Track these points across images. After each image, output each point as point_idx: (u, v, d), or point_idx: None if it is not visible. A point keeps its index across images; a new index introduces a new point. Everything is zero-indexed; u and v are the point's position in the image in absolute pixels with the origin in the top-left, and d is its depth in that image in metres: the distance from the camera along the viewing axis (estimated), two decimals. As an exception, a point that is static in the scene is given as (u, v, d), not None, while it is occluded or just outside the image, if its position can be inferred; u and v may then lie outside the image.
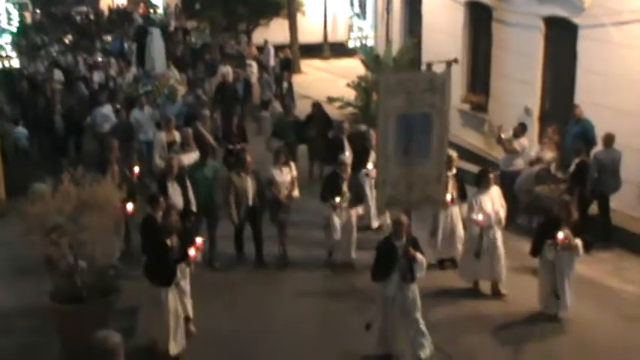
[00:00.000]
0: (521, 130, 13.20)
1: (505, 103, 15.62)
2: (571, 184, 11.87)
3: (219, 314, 9.71)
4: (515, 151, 13.02)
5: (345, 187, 11.07)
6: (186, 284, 9.05)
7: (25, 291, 10.06)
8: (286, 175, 11.40)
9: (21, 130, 16.64)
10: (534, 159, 12.95)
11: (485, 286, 10.30)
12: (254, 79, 22.28)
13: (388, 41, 21.42)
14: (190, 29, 31.55)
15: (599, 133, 12.12)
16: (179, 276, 8.65)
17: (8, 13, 20.32)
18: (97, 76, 22.24)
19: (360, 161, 12.48)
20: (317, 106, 15.79)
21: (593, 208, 11.95)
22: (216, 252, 11.33)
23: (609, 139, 11.73)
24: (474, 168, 13.93)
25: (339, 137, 13.72)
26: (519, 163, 13.00)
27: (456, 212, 10.92)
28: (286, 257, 11.37)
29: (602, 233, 11.69)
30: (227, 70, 20.85)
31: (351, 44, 29.43)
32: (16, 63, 21.77)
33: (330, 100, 19.54)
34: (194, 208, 10.87)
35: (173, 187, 10.72)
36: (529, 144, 13.33)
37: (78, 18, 45.03)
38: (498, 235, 10.09)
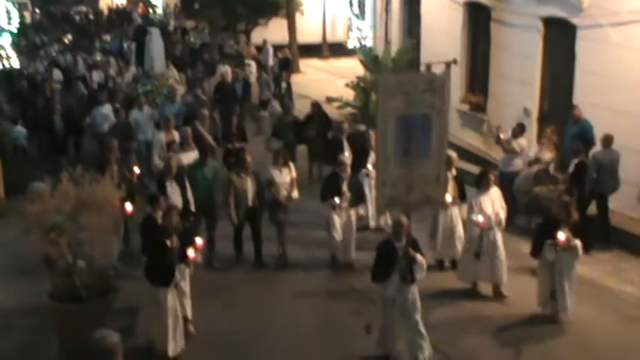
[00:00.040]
0: (519, 130, 13.21)
1: (504, 104, 15.63)
2: (570, 184, 11.88)
3: (218, 314, 9.70)
4: (514, 151, 13.03)
5: (344, 188, 11.07)
6: (186, 285, 9.05)
7: (25, 290, 10.05)
8: (285, 176, 11.40)
9: (20, 130, 16.64)
10: (533, 159, 12.96)
11: (484, 288, 10.29)
12: (253, 78, 22.30)
13: (387, 42, 21.43)
14: (189, 29, 31.57)
15: (598, 134, 12.13)
16: (178, 277, 8.64)
17: (8, 13, 20.33)
18: (97, 76, 22.23)
19: (359, 161, 12.48)
20: (316, 106, 15.79)
21: (592, 209, 11.96)
22: (215, 252, 11.32)
23: (608, 140, 11.74)
24: (473, 168, 13.96)
25: (338, 138, 13.72)
26: (518, 164, 13.01)
27: (456, 213, 10.91)
28: (286, 258, 11.37)
29: (601, 234, 11.70)
30: (226, 70, 20.88)
31: (350, 44, 29.49)
32: (15, 63, 21.78)
33: (329, 100, 19.55)
34: (193, 207, 10.87)
35: (172, 186, 10.72)
36: (528, 144, 13.34)
37: (77, 18, 45.01)
38: (499, 236, 10.07)
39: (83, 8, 47.83)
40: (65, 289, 8.81)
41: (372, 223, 12.42)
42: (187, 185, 10.95)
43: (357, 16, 29.79)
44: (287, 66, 23.98)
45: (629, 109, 12.12)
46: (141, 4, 44.66)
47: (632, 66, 12.16)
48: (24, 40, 31.88)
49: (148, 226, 9.34)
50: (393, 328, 8.36)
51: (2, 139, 15.08)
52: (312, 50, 29.60)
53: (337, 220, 11.01)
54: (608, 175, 11.75)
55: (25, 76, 22.94)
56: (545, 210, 12.01)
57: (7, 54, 22.76)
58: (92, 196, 8.71)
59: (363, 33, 28.62)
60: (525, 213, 12.52)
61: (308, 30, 29.56)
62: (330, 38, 30.63)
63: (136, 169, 11.78)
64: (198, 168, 11.45)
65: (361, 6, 29.70)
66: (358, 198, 11.38)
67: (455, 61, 8.14)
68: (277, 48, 25.61)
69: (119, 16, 43.05)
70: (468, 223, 10.32)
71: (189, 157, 12.10)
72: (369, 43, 25.28)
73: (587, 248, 9.39)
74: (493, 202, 10.05)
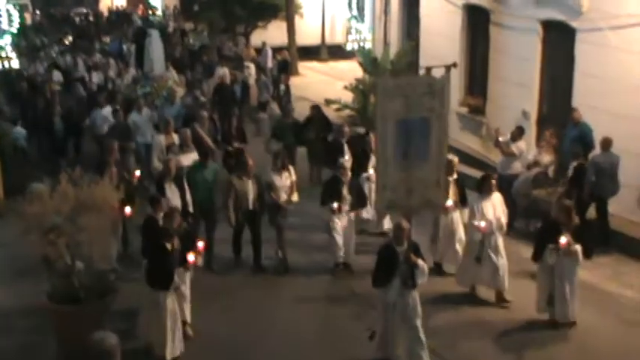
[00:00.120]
0: (518, 133, 13.21)
1: (503, 107, 15.64)
2: (569, 187, 11.87)
3: (216, 318, 9.68)
4: (513, 154, 13.04)
5: (345, 191, 11.02)
6: (186, 289, 9.04)
7: (24, 291, 10.05)
8: (285, 180, 11.36)
9: (19, 131, 16.63)
10: (532, 162, 12.96)
11: (484, 292, 10.27)
12: (252, 80, 22.31)
13: (386, 44, 21.43)
14: (188, 31, 31.58)
15: (597, 137, 12.13)
16: (177, 281, 8.60)
17: (9, 15, 20.34)
18: (96, 77, 22.23)
19: (360, 165, 12.45)
20: (316, 108, 15.78)
21: (591, 213, 11.95)
22: (214, 255, 11.29)
23: (607, 143, 11.74)
24: (471, 171, 13.97)
25: (338, 141, 13.66)
26: (517, 167, 13.01)
27: (457, 217, 10.86)
28: (286, 262, 11.31)
29: (600, 237, 11.67)
30: (224, 72, 20.89)
31: (348, 47, 29.49)
32: (15, 64, 21.81)
33: (328, 102, 19.56)
34: (191, 209, 10.86)
35: (171, 188, 10.71)
36: (527, 147, 13.35)
37: (77, 19, 45.01)
38: (500, 241, 10.04)
39: (83, 10, 47.84)
40: (64, 290, 8.81)
41: (386, 227, 12.08)
42: (186, 187, 10.96)
43: (356, 18, 29.81)
44: (286, 68, 24.00)
45: (628, 113, 12.13)
46: (140, 6, 44.67)
47: (631, 69, 12.17)
48: (24, 41, 31.88)
49: (149, 227, 9.33)
50: (394, 332, 8.33)
51: (2, 139, 15.08)
52: (311, 52, 29.62)
53: (338, 223, 10.97)
54: (607, 178, 11.74)
55: (25, 77, 22.95)
56: (544, 213, 12.00)
57: (7, 55, 22.77)
58: (91, 197, 8.72)
59: (361, 35, 28.63)
60: (524, 216, 12.52)
61: (307, 32, 29.58)
62: (329, 40, 30.64)
63: (137, 172, 11.79)
64: (199, 170, 11.42)
65: (360, 8, 29.72)
66: (360, 201, 11.33)
67: (455, 65, 8.11)
68: (276, 50, 25.62)
69: (119, 17, 43.06)
70: (469, 228, 10.29)
71: (189, 158, 12.09)
72: (367, 45, 25.28)
73: (587, 253, 9.32)
74: (495, 207, 10.02)
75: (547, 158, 12.94)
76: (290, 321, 9.75)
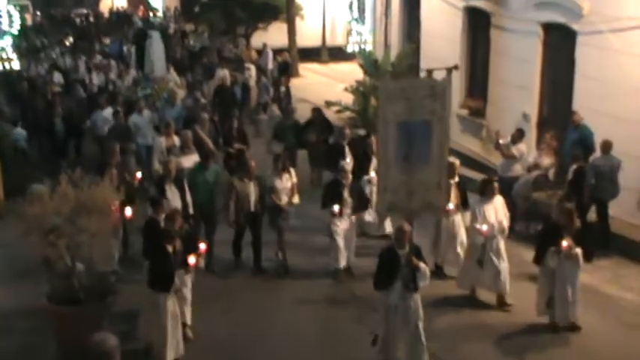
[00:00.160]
0: (519, 135, 13.22)
1: (503, 109, 15.64)
2: (569, 190, 11.87)
3: (216, 319, 9.66)
4: (513, 156, 13.04)
5: (346, 194, 10.97)
6: (187, 291, 9.03)
7: (24, 292, 10.04)
8: (286, 182, 11.35)
9: (20, 132, 16.64)
10: (532, 165, 12.97)
11: (483, 294, 10.25)
12: (252, 82, 22.31)
13: (386, 46, 21.45)
14: (188, 32, 31.59)
15: (597, 140, 12.12)
16: (178, 283, 8.56)
17: (10, 16, 20.36)
18: (97, 79, 22.23)
19: (361, 167, 12.42)
20: (317, 111, 15.78)
21: (592, 215, 11.94)
22: (214, 257, 11.27)
23: (607, 146, 11.74)
24: (472, 174, 13.98)
25: (340, 143, 13.63)
26: (517, 169, 13.01)
27: (458, 220, 10.84)
28: (286, 265, 11.29)
29: (601, 240, 11.66)
30: (224, 74, 20.89)
31: (349, 48, 29.48)
32: (16, 65, 21.83)
33: (328, 104, 19.57)
34: (191, 210, 10.85)
35: (171, 190, 10.71)
36: (527, 150, 13.35)
37: (78, 20, 45.01)
38: (502, 244, 10.02)
39: (84, 11, 47.81)
40: (64, 292, 8.81)
41: (387, 230, 12.02)
42: (186, 188, 10.95)
43: (356, 20, 29.80)
44: (286, 70, 24.01)
45: (628, 116, 12.13)
46: (141, 7, 44.66)
47: (631, 72, 12.17)
48: (25, 42, 31.88)
49: (150, 229, 9.32)
50: (395, 335, 8.30)
51: (2, 140, 15.07)
52: (311, 54, 29.65)
53: (340, 226, 10.91)
54: (607, 181, 11.74)
55: (26, 78, 22.95)
56: (544, 216, 12.01)
57: (8, 56, 22.79)
58: (91, 198, 8.72)
59: (362, 37, 28.63)
60: (524, 219, 12.52)
61: (308, 34, 29.61)
62: (329, 42, 30.67)
63: (138, 174, 11.79)
64: (200, 172, 11.40)
65: (361, 10, 29.72)
66: (361, 204, 11.30)
67: (456, 67, 8.10)
68: (277, 52, 25.63)
69: (119, 18, 43.05)
70: (471, 231, 10.26)
71: (190, 160, 12.09)
72: (368, 47, 25.29)
73: (588, 256, 9.32)
74: (496, 210, 10.00)
75: (547, 161, 12.94)
76: (290, 323, 9.74)
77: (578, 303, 9.34)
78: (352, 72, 22.66)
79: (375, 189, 11.40)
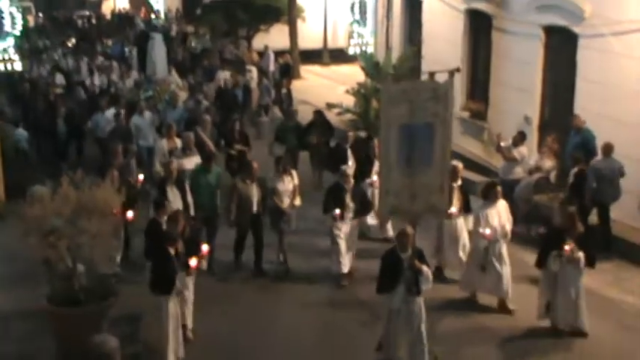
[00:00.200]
0: (520, 138, 13.21)
1: (504, 112, 15.64)
2: (570, 193, 11.86)
3: (217, 321, 9.65)
4: (515, 159, 13.03)
5: (348, 199, 10.87)
6: (189, 293, 9.02)
7: (24, 293, 10.03)
8: (288, 184, 11.33)
9: (21, 133, 16.66)
10: (533, 168, 12.96)
11: (485, 298, 10.22)
12: (254, 84, 22.31)
13: (388, 48, 21.45)
14: (189, 34, 31.59)
15: (599, 143, 12.11)
16: (179, 285, 8.54)
17: (12, 17, 20.36)
18: (98, 80, 22.24)
19: (363, 170, 12.39)
20: (319, 113, 15.78)
21: (593, 219, 11.92)
22: (215, 259, 11.25)
23: (608, 149, 11.73)
24: (473, 176, 13.96)
25: (342, 147, 13.56)
26: (518, 172, 13.00)
27: (461, 224, 10.79)
28: (287, 266, 11.28)
29: (602, 243, 11.62)
30: (225, 76, 20.88)
31: (350, 51, 29.46)
32: (18, 66, 21.86)
33: (329, 106, 19.51)
34: (192, 212, 10.85)
35: (173, 191, 10.71)
36: (528, 153, 13.34)
37: (80, 22, 45.03)
38: (504, 249, 9.98)
39: (86, 12, 47.83)
40: (64, 293, 8.81)
41: (389, 234, 11.93)
42: (187, 190, 10.94)
43: (358, 22, 29.77)
44: (288, 72, 24.00)
45: (629, 119, 12.12)
46: (143, 9, 44.66)
47: (632, 75, 12.17)
48: (27, 43, 31.90)
49: (153, 231, 9.31)
50: (397, 338, 8.25)
51: (3, 141, 15.09)
52: (313, 56, 29.63)
53: (341, 230, 10.82)
54: (608, 184, 11.73)
55: (28, 80, 22.97)
56: (545, 218, 12.01)
57: (10, 57, 22.80)
58: (92, 200, 8.72)
59: (364, 39, 28.61)
60: (525, 221, 12.50)
61: (309, 36, 29.60)
62: (331, 44, 30.65)
63: (140, 176, 11.78)
64: (202, 174, 11.39)
65: (362, 12, 29.70)
66: (364, 208, 11.22)
67: (458, 69, 8.09)
68: (278, 54, 25.63)
69: (121, 20, 43.06)
70: (474, 235, 10.21)
71: (192, 162, 12.09)
72: (370, 49, 25.27)
73: (590, 261, 9.26)
74: (500, 214, 9.95)
75: (548, 163, 12.93)
76: (291, 325, 9.73)
77: (584, 309, 9.29)
78: (353, 74, 22.65)
79: (376, 192, 11.35)
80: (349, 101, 19.90)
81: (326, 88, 24.52)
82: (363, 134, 15.31)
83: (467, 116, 17.12)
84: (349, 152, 13.31)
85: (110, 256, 9.72)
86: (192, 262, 8.62)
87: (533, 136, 14.40)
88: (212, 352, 9.00)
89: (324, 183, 13.85)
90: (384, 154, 7.80)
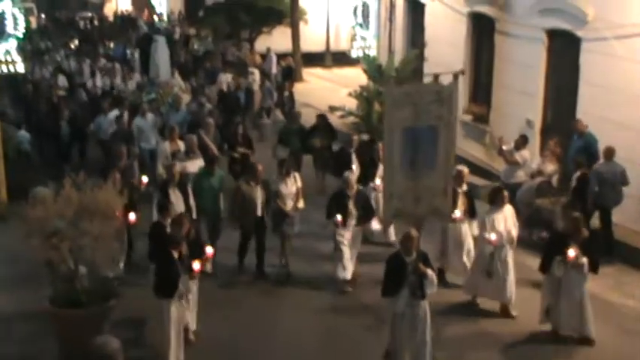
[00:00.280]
0: (522, 142, 13.20)
1: (507, 115, 15.63)
2: (572, 197, 11.84)
3: (219, 324, 9.63)
4: (517, 163, 13.02)
5: (350, 206, 10.75)
6: (192, 296, 9.00)
7: (26, 294, 10.03)
8: (291, 187, 11.31)
9: (24, 134, 16.67)
10: (535, 171, 12.95)
11: (487, 302, 10.19)
12: (256, 87, 22.32)
13: (391, 51, 21.45)
14: (192, 36, 31.61)
15: (602, 147, 12.09)
16: (182, 288, 8.50)
17: (14, 18, 20.36)
18: (100, 82, 22.25)
19: (367, 174, 12.35)
20: (322, 117, 15.76)
21: (595, 222, 11.90)
22: (217, 262, 11.23)
23: (610, 152, 11.71)
24: (475, 180, 13.95)
25: (346, 151, 13.48)
26: (520, 176, 12.99)
27: (465, 228, 10.72)
28: (288, 270, 11.26)
29: (604, 247, 11.58)
30: (227, 78, 20.88)
31: (353, 53, 29.46)
32: (20, 68, 21.91)
33: (332, 109, 19.51)
34: (194, 214, 10.84)
35: (175, 194, 10.70)
36: (530, 156, 13.33)
37: (82, 23, 45.08)
38: (510, 255, 9.94)
39: (88, 14, 47.87)
40: (66, 295, 8.81)
41: (393, 238, 11.84)
42: (190, 192, 10.94)
43: (360, 25, 29.78)
44: (290, 74, 24.00)
45: (632, 123, 12.11)
46: (146, 11, 44.68)
47: (636, 79, 12.16)
48: (29, 45, 31.92)
49: (156, 233, 9.30)
50: (402, 342, 8.23)
51: (6, 143, 15.10)
52: (315, 59, 29.63)
53: (345, 236, 10.73)
54: (610, 187, 11.71)
55: (30, 81, 22.99)
56: (547, 222, 12.00)
57: (12, 59, 22.83)
58: (94, 202, 8.72)
59: (366, 42, 28.61)
60: (527, 225, 12.47)
61: (312, 39, 29.61)
62: (333, 47, 30.66)
63: (144, 179, 11.78)
64: (205, 177, 11.37)
65: (365, 15, 29.71)
66: (367, 214, 11.10)
67: (463, 72, 8.09)
68: (281, 56, 25.64)
69: (124, 22, 43.09)
70: (479, 241, 10.17)
71: (195, 165, 12.08)
72: (372, 52, 25.28)
73: (594, 266, 9.22)
74: (506, 220, 9.89)
75: (551, 167, 12.92)
76: (293, 329, 9.71)
77: (590, 315, 9.23)
78: (356, 77, 22.64)
79: (380, 196, 11.32)
80: (352, 104, 19.90)
81: (328, 91, 24.52)
82: (366, 137, 15.29)
83: (469, 119, 17.12)
84: (353, 156, 13.24)
85: (113, 258, 9.71)
86: (196, 265, 8.59)
87: (535, 140, 14.39)
88: (213, 355, 8.99)
89: (327, 187, 13.82)
90: (388, 157, 7.78)
